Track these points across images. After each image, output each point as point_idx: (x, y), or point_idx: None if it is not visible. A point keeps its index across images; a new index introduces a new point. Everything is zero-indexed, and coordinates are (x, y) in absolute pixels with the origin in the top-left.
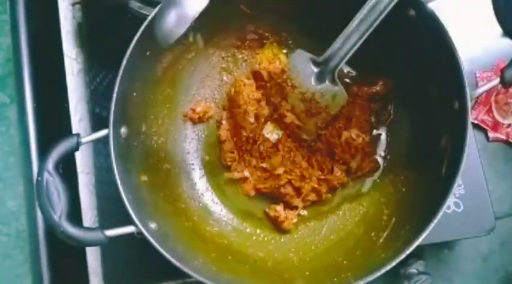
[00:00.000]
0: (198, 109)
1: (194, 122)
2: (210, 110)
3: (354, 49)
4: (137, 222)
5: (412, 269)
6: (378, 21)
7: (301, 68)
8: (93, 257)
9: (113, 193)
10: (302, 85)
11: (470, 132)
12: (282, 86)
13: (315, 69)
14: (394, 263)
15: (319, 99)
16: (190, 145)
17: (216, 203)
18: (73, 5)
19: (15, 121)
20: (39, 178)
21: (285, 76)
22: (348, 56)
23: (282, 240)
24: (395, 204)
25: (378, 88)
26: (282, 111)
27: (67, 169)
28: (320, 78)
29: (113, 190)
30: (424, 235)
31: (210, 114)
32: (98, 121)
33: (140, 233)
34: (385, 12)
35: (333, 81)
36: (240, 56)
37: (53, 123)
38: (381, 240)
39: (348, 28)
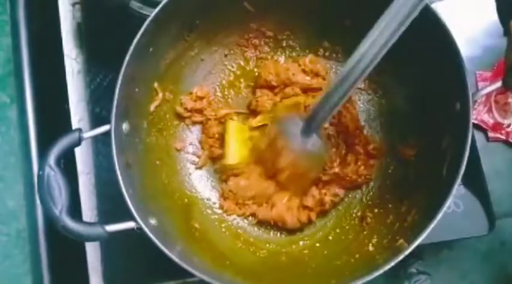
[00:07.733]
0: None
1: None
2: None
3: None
4: (137, 217)
5: (412, 269)
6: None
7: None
8: (93, 257)
9: (113, 193)
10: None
11: (472, 133)
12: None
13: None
14: (393, 263)
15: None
16: (190, 141)
17: (217, 199)
18: (73, 5)
19: (15, 121)
20: (41, 172)
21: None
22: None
23: (284, 240)
24: (396, 204)
25: None
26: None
27: (67, 169)
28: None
29: (113, 190)
30: (424, 235)
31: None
32: (97, 121)
33: (140, 228)
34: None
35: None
36: (243, 54)
37: (53, 123)
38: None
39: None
